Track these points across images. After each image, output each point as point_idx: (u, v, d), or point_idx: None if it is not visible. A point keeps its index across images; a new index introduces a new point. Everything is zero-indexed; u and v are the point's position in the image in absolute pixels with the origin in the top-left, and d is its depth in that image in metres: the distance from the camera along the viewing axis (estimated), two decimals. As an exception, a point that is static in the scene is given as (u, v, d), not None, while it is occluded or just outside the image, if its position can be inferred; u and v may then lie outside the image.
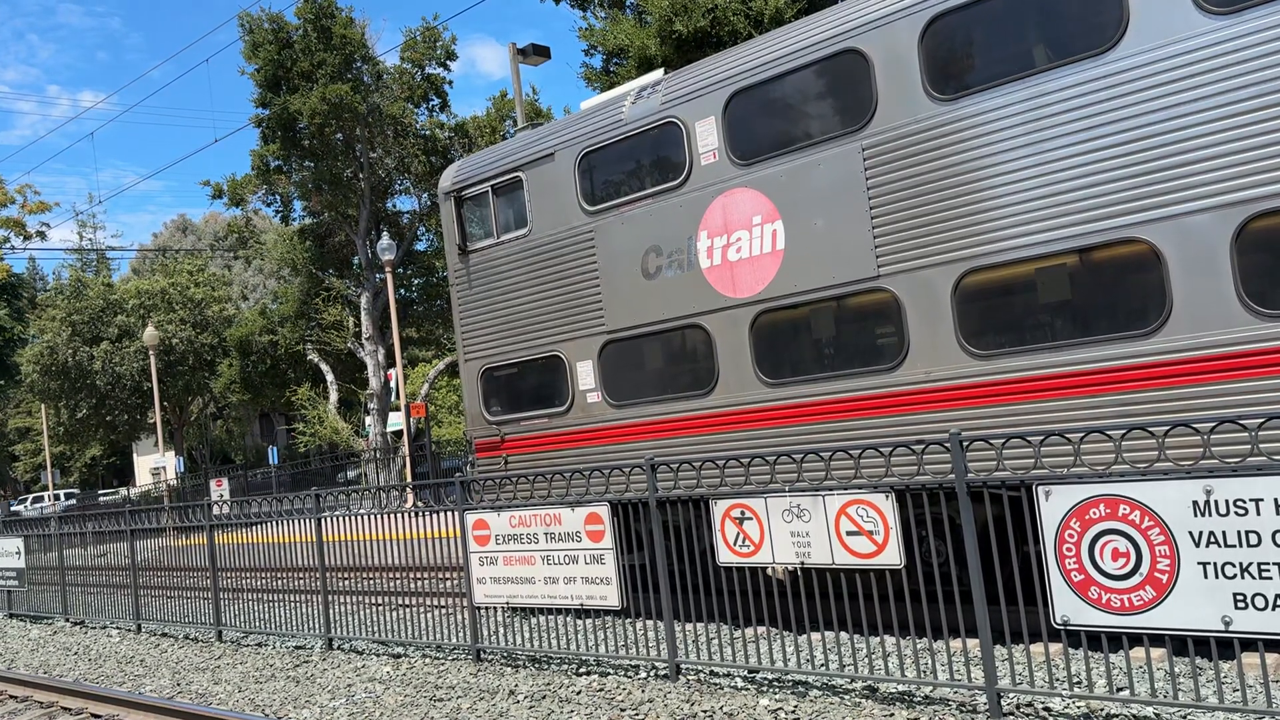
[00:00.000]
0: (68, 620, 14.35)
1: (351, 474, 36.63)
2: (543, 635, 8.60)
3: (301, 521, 10.53)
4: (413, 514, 9.84)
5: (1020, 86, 7.35)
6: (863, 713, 6.18)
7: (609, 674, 7.85)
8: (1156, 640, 5.63)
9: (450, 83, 32.28)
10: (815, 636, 7.80)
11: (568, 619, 8.29)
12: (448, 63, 30.87)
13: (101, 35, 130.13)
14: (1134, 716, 5.63)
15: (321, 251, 31.60)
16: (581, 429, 10.21)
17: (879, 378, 8.09)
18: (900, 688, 6.55)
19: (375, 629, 9.96)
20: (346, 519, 10.18)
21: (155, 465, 34.68)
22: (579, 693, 7.40)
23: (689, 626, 8.53)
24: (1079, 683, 6.02)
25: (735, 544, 6.91)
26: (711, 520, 7.02)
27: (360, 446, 31.64)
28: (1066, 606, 5.37)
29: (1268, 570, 4.78)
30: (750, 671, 7.28)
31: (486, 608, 8.77)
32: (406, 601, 10.06)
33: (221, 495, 29.93)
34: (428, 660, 9.13)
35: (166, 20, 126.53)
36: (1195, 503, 4.97)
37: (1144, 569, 5.12)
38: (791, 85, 8.75)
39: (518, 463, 10.77)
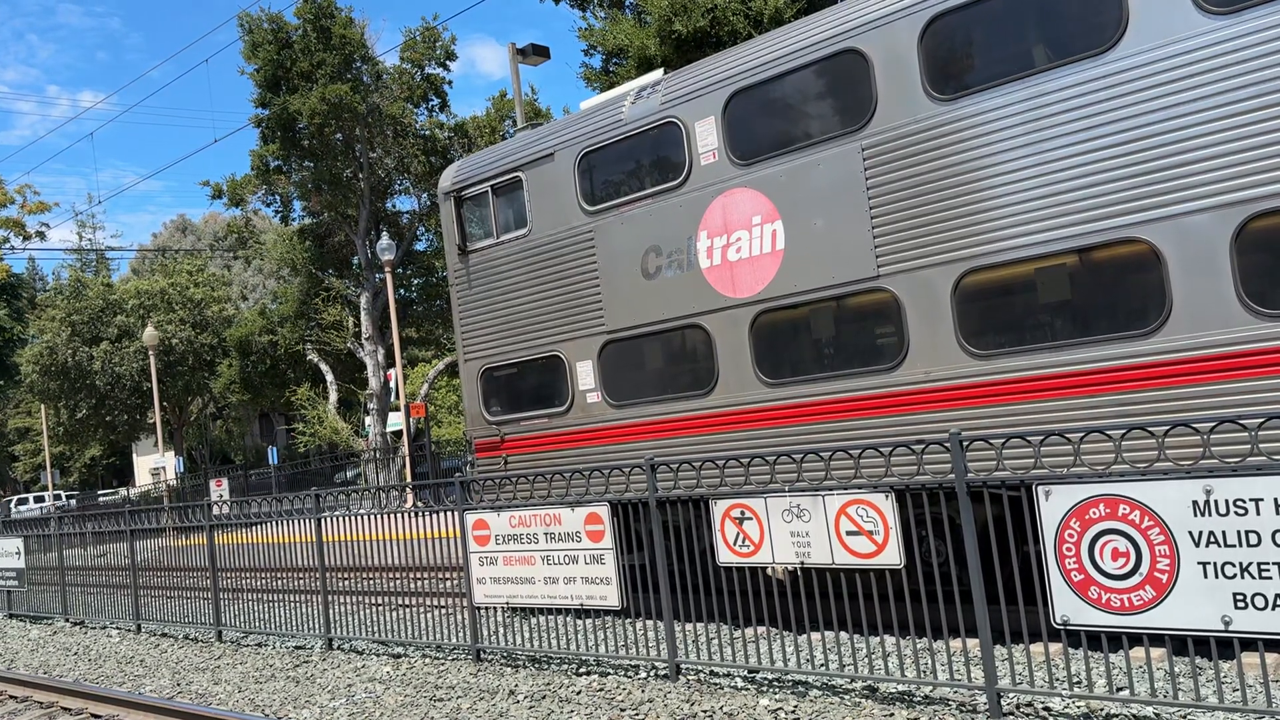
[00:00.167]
0: (67, 620, 14.35)
1: (349, 474, 36.61)
2: (543, 635, 8.60)
3: (301, 522, 10.53)
4: (412, 514, 9.84)
5: (1020, 86, 7.35)
6: (863, 713, 6.18)
7: (609, 674, 7.85)
8: (1156, 640, 5.63)
9: (450, 83, 32.32)
10: (815, 636, 7.81)
11: (568, 619, 8.29)
12: (447, 63, 30.88)
13: (101, 35, 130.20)
14: (1134, 716, 5.63)
15: (321, 251, 31.61)
16: (581, 429, 10.21)
17: (879, 378, 8.09)
18: (900, 688, 6.56)
19: (375, 629, 9.96)
20: (346, 519, 10.18)
21: (155, 465, 34.68)
22: (579, 693, 7.40)
23: (689, 626, 8.53)
24: (1079, 682, 6.02)
25: (735, 544, 6.91)
26: (711, 520, 7.02)
27: (360, 446, 31.64)
28: (1066, 606, 5.37)
29: (1267, 570, 4.78)
30: (750, 671, 7.28)
31: (486, 608, 8.77)
32: (406, 601, 10.06)
33: (221, 495, 29.93)
34: (428, 660, 9.13)
35: (166, 20, 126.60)
36: (1195, 502, 4.97)
37: (1144, 569, 5.12)
38: (791, 85, 8.75)
39: (517, 463, 10.77)
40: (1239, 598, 4.86)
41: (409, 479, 26.92)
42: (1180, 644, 6.01)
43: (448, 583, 9.70)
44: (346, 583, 11.71)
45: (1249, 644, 5.45)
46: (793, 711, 6.34)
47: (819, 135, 8.52)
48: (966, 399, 7.61)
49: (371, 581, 11.70)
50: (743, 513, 6.86)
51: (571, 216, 10.25)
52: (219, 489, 30.70)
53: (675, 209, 9.41)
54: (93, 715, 8.67)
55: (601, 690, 7.40)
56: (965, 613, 6.69)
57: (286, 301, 34.72)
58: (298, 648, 10.61)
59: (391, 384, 30.15)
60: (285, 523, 10.79)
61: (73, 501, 44.94)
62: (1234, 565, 4.86)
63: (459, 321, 11.50)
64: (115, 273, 53.80)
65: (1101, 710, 5.75)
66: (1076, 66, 7.11)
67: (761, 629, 8.03)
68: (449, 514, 9.00)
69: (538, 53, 21.10)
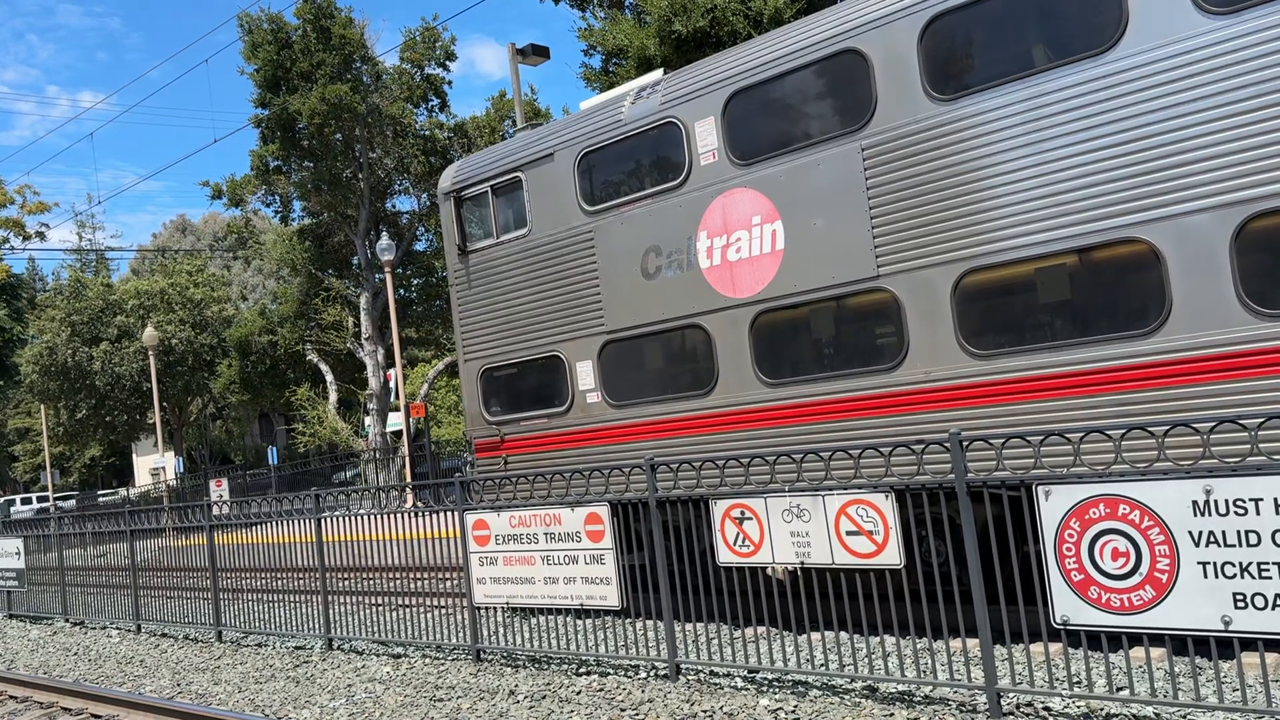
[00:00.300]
0: (67, 621, 14.35)
1: (346, 475, 36.57)
2: (543, 635, 8.60)
3: (301, 522, 10.53)
4: (412, 514, 9.84)
5: (1020, 86, 7.35)
6: (863, 712, 6.19)
7: (609, 674, 7.85)
8: (1156, 640, 5.64)
9: (449, 83, 32.31)
10: (815, 636, 7.81)
11: (568, 619, 8.29)
12: (447, 63, 30.87)
13: (101, 35, 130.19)
14: (1134, 716, 5.63)
15: (321, 252, 31.60)
16: (581, 429, 10.21)
17: (879, 378, 8.09)
18: (900, 688, 6.56)
19: (375, 629, 9.96)
20: (346, 519, 10.18)
21: (155, 466, 34.67)
22: (579, 693, 7.40)
23: (689, 626, 8.53)
24: (1079, 682, 6.02)
25: (735, 544, 6.91)
26: (711, 520, 7.02)
27: (360, 447, 31.64)
28: (1066, 606, 5.37)
29: (1267, 570, 4.78)
30: (750, 671, 7.28)
31: (486, 608, 8.77)
32: (406, 602, 10.06)
33: (221, 495, 29.92)
34: (428, 660, 9.14)
35: (166, 20, 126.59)
36: (1195, 502, 4.97)
37: (1144, 569, 5.12)
38: (791, 85, 8.76)
39: (517, 463, 10.77)
40: (1239, 597, 4.86)
41: (409, 479, 26.92)
42: (1180, 644, 6.01)
43: (448, 583, 9.70)
44: (346, 583, 11.72)
45: (1249, 644, 5.46)
46: (793, 711, 6.34)
47: (819, 135, 8.52)
48: (966, 399, 7.61)
49: (371, 582, 11.70)
50: (743, 513, 6.86)
51: (571, 216, 10.25)
52: (219, 489, 30.69)
53: (675, 209, 9.41)
54: (93, 715, 8.67)
55: (601, 690, 7.40)
56: (965, 613, 6.70)
57: (286, 302, 34.72)
58: (298, 648, 10.61)
59: (391, 384, 30.15)
60: (285, 523, 10.79)
61: (68, 503, 44.81)
62: (1234, 565, 4.87)
63: (459, 322, 11.50)
64: (115, 273, 53.82)
65: (1101, 710, 5.75)
66: (1076, 66, 7.11)
67: (761, 629, 8.03)
68: (449, 514, 9.00)
69: (537, 53, 21.10)
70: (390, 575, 10.70)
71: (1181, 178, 6.68)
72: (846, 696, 6.53)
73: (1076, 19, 7.25)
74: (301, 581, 10.92)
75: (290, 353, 35.52)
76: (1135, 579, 5.15)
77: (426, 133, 30.54)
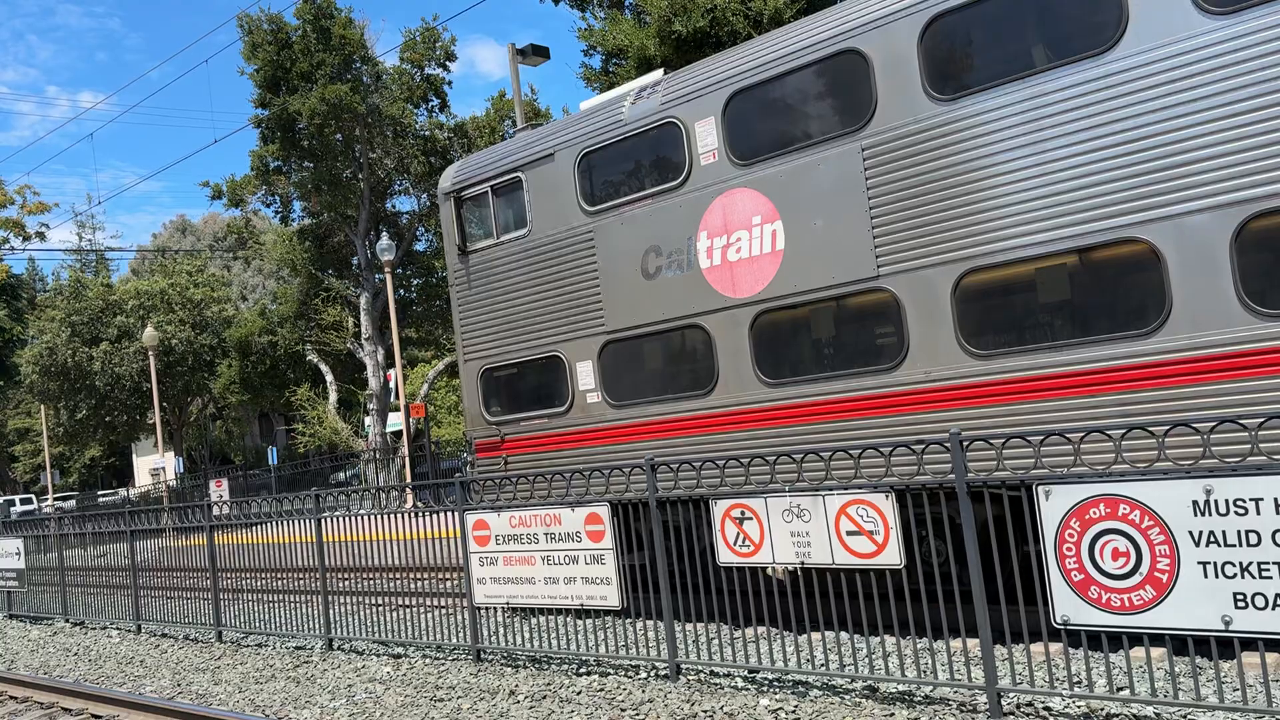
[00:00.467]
0: (68, 621, 14.35)
1: (343, 475, 36.53)
2: (543, 635, 8.60)
3: (301, 522, 10.54)
4: (412, 514, 9.84)
5: (1020, 87, 7.36)
6: (863, 712, 6.19)
7: (609, 674, 7.85)
8: (1157, 640, 5.64)
9: (449, 83, 32.30)
10: (815, 636, 7.81)
11: (568, 619, 8.29)
12: (447, 63, 30.87)
13: (101, 36, 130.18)
14: (1134, 716, 5.63)
15: (321, 252, 31.59)
16: (581, 429, 10.21)
17: (879, 378, 8.09)
18: (900, 687, 6.56)
19: (375, 629, 9.96)
20: (346, 519, 10.18)
21: (155, 466, 34.68)
22: (579, 693, 7.40)
23: (689, 626, 8.53)
24: (1079, 682, 6.02)
25: (735, 544, 6.91)
26: (711, 520, 7.02)
27: (360, 447, 31.64)
28: (1066, 606, 5.38)
29: (1268, 570, 4.78)
30: (750, 671, 7.28)
31: (486, 608, 8.77)
32: (407, 602, 10.06)
33: (221, 496, 29.93)
34: (428, 660, 9.14)
35: (166, 21, 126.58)
36: (1195, 502, 4.97)
37: (1144, 569, 5.12)
38: (791, 85, 8.76)
39: (517, 463, 10.77)
40: (1239, 597, 4.86)
41: (409, 479, 26.92)
42: (1180, 644, 6.01)
43: (448, 583, 9.70)
44: (347, 583, 11.71)
45: (1249, 643, 5.46)
46: (793, 711, 6.34)
47: (819, 135, 8.52)
48: (967, 399, 7.61)
49: (372, 582, 11.70)
50: (743, 513, 6.86)
51: (571, 217, 10.25)
52: (219, 489, 30.69)
53: (675, 209, 9.41)
54: (93, 716, 8.67)
55: (602, 690, 7.40)
56: (965, 612, 6.70)
57: (286, 302, 34.71)
58: (298, 648, 10.61)
59: (391, 384, 30.16)
60: (285, 523, 10.79)
61: (68, 503, 44.64)
62: (1234, 565, 4.87)
63: (459, 322, 11.50)
64: (115, 273, 53.79)
65: (1102, 710, 5.75)
66: (1076, 67, 7.11)
67: (762, 629, 8.03)
68: (449, 514, 9.00)
69: (537, 53, 21.10)
70: (390, 575, 10.70)
71: (1182, 178, 6.68)
72: (847, 696, 6.53)
73: (1076, 19, 7.25)
74: (302, 582, 10.92)
75: (290, 353, 35.53)
76: (1135, 579, 5.15)
77: (426, 133, 30.54)
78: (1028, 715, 5.83)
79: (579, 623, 8.47)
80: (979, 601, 5.87)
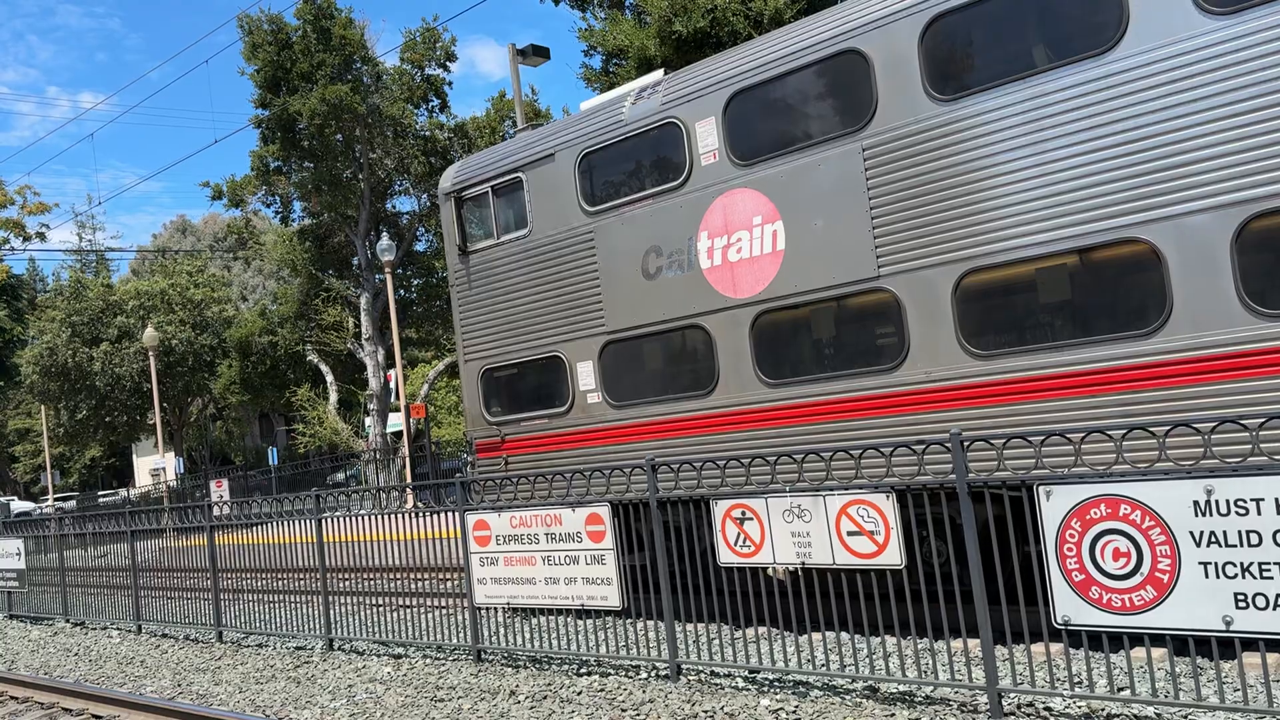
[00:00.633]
0: (68, 621, 14.35)
1: (341, 476, 36.50)
2: (543, 636, 8.60)
3: (302, 522, 10.54)
4: (413, 515, 9.84)
5: (1021, 87, 7.36)
6: (864, 713, 6.18)
7: (610, 674, 7.85)
8: (1157, 640, 5.64)
9: (450, 83, 32.29)
10: (816, 637, 7.81)
11: (568, 619, 8.29)
12: (447, 63, 30.88)
13: (101, 36, 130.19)
14: (1135, 716, 5.63)
15: (321, 252, 31.60)
16: (582, 429, 10.21)
17: (880, 378, 8.09)
18: (901, 688, 6.56)
19: (376, 630, 9.96)
20: (347, 520, 10.18)
21: (155, 466, 34.68)
22: (580, 693, 7.40)
23: (690, 627, 8.53)
24: (1080, 683, 6.02)
25: (736, 544, 6.91)
26: (712, 520, 7.02)
27: (360, 447, 31.64)
28: (1067, 606, 5.37)
29: (1268, 570, 4.78)
30: (751, 672, 7.28)
31: (487, 608, 8.77)
32: (407, 602, 10.06)
33: (221, 496, 29.93)
34: (428, 661, 9.14)
35: (166, 21, 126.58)
36: (1196, 502, 4.97)
37: (1145, 569, 5.12)
38: (792, 86, 8.76)
39: (518, 463, 10.77)
40: (1240, 598, 4.86)
41: (409, 479, 26.92)
42: (1181, 644, 6.01)
43: (448, 583, 9.71)
44: (347, 583, 11.71)
45: (1250, 644, 5.46)
46: (794, 712, 6.34)
47: (819, 136, 8.52)
48: (967, 399, 7.61)
49: (372, 582, 11.70)
50: (744, 513, 6.86)
51: (572, 217, 10.25)
52: (219, 490, 30.70)
53: (676, 209, 9.41)
54: (94, 716, 8.67)
55: (602, 690, 7.40)
56: (966, 613, 6.69)
57: (286, 302, 34.72)
58: (298, 648, 10.61)
59: (391, 385, 30.15)
60: (286, 523, 10.79)
61: (68, 503, 44.51)
62: (1235, 565, 4.87)
63: (459, 322, 11.50)
64: (115, 274, 53.78)
65: (1103, 710, 5.75)
66: (1077, 67, 7.11)
67: (762, 629, 8.03)
68: (449, 514, 9.01)
69: (538, 53, 21.11)
70: (391, 576, 10.70)
71: (1182, 178, 6.68)
72: (848, 697, 6.53)
73: (1077, 19, 7.25)
74: (302, 582, 10.92)
75: (290, 353, 35.52)
76: (1136, 579, 5.15)
77: (427, 133, 30.54)
78: (1028, 715, 5.83)
79: (579, 623, 8.47)
80: (980, 602, 5.87)
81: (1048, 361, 7.23)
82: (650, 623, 8.64)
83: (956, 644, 7.32)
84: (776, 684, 7.01)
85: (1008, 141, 7.42)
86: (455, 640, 9.10)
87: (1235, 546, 4.87)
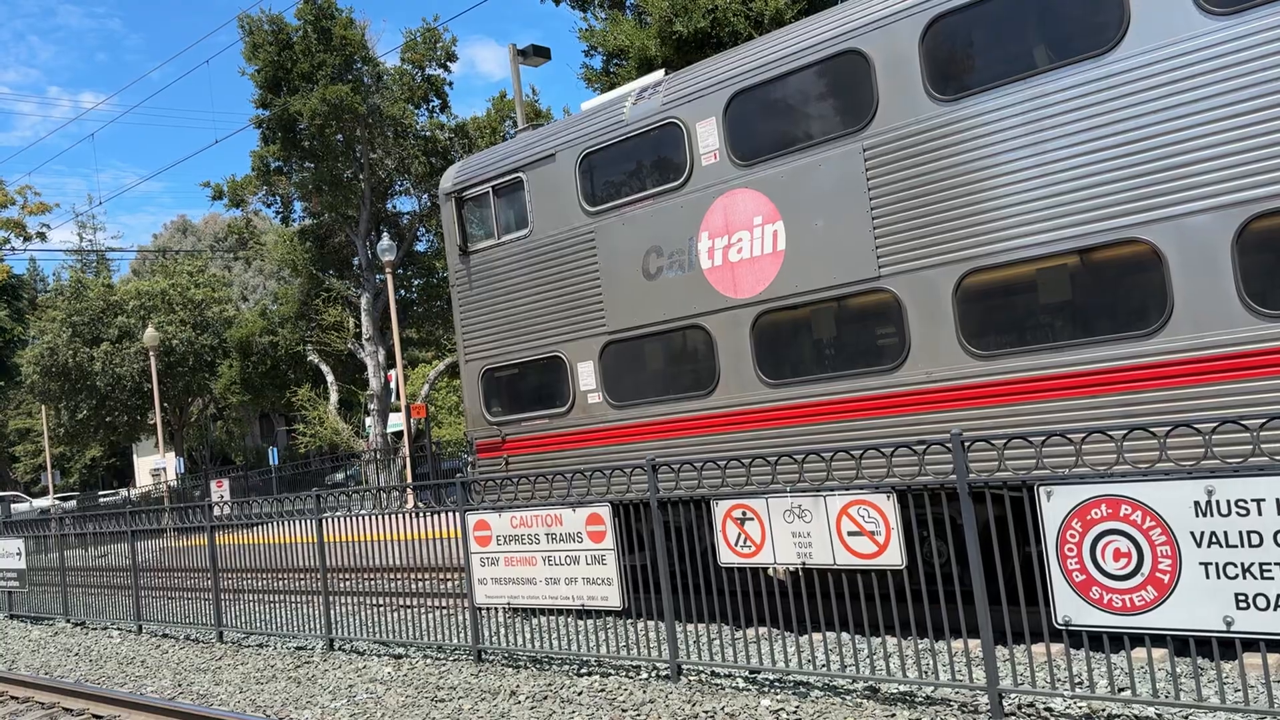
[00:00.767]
0: (68, 621, 14.35)
1: (339, 476, 36.49)
2: (544, 636, 8.60)
3: (302, 522, 10.54)
4: (413, 515, 9.84)
5: (1021, 87, 7.36)
6: (864, 713, 6.18)
7: (610, 674, 7.85)
8: (1158, 640, 5.63)
9: (450, 84, 32.32)
10: (817, 637, 7.80)
11: (569, 619, 8.29)
12: (448, 64, 30.89)
13: (102, 36, 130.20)
14: (1136, 717, 5.63)
15: (321, 252, 31.61)
16: (582, 429, 10.21)
17: (880, 378, 8.09)
18: (902, 688, 6.56)
19: (376, 630, 9.97)
20: (347, 520, 10.19)
21: (155, 466, 34.68)
22: (580, 693, 7.40)
23: (690, 627, 8.53)
24: (1081, 683, 6.02)
25: (736, 544, 6.91)
26: (713, 521, 7.02)
27: (360, 447, 31.64)
28: (1068, 607, 5.37)
29: (1269, 570, 4.78)
30: (752, 672, 7.28)
31: (487, 608, 8.77)
32: (408, 602, 10.06)
33: (222, 496, 29.94)
34: (429, 661, 9.14)
35: (166, 21, 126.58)
36: (1197, 503, 4.97)
37: (1145, 569, 5.12)
38: (792, 86, 8.76)
39: (519, 463, 10.77)
40: (1240, 598, 4.86)
41: (410, 479, 26.92)
42: (1182, 644, 6.00)
43: (449, 583, 9.70)
44: (347, 583, 11.71)
45: (1251, 644, 5.45)
46: (794, 712, 6.34)
47: (820, 136, 8.52)
48: (968, 399, 7.61)
49: (372, 582, 11.70)
50: (744, 513, 6.86)
51: (572, 217, 10.26)
52: (220, 490, 30.70)
53: (676, 209, 9.41)
54: (94, 716, 8.67)
55: (603, 691, 7.40)
56: (967, 613, 6.69)
57: (287, 302, 34.73)
58: (299, 648, 10.61)
59: (392, 385, 30.15)
60: (286, 523, 10.79)
61: (68, 503, 44.36)
62: (1236, 566, 4.86)
63: (460, 322, 11.50)
64: (116, 274, 53.80)
65: (1103, 710, 5.75)
66: (1078, 67, 7.11)
67: (763, 629, 8.03)
68: (450, 515, 9.01)
69: (538, 54, 21.13)
70: (391, 576, 10.70)
71: (1183, 178, 6.68)
72: (848, 697, 6.53)
73: (1078, 20, 7.25)
74: (303, 582, 10.92)
75: (291, 353, 35.52)
76: (1137, 579, 5.15)
77: (427, 133, 30.55)
78: (1029, 716, 5.83)
79: (580, 623, 8.47)
80: (980, 602, 5.87)
81: (1049, 362, 7.23)
82: (651, 623, 8.64)
83: (957, 644, 7.32)
84: (777, 684, 7.00)
85: (1009, 142, 7.42)
86: (456, 640, 9.10)
87: (1236, 547, 4.87)
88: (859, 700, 6.43)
